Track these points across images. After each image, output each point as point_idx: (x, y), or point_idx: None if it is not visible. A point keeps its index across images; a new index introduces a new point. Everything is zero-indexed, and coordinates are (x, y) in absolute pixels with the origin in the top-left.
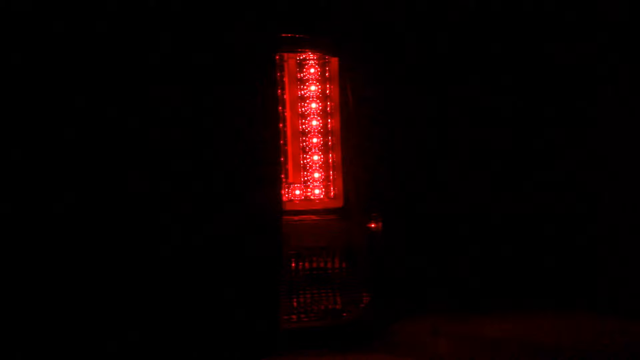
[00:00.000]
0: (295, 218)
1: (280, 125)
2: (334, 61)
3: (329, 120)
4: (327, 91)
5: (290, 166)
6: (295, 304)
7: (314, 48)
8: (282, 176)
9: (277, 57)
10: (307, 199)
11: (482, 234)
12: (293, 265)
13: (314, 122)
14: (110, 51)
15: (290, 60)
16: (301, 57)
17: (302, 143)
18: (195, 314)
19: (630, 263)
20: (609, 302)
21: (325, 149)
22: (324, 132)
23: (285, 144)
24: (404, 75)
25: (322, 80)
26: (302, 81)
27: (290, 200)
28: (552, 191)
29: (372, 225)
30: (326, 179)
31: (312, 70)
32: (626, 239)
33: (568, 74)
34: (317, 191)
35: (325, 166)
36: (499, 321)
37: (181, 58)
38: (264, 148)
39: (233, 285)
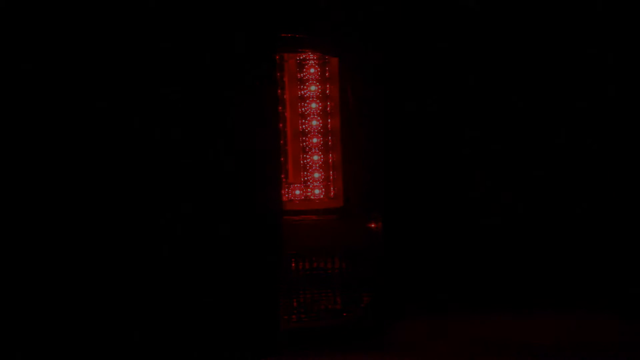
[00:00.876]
0: (295, 218)
1: (280, 125)
2: (334, 61)
3: (329, 120)
4: (327, 91)
5: (290, 166)
6: (295, 304)
7: (314, 48)
8: (282, 176)
9: (277, 57)
10: (307, 199)
11: (482, 234)
12: (293, 265)
13: (314, 122)
14: (110, 52)
15: (290, 60)
16: (301, 57)
17: (302, 143)
18: (196, 314)
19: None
20: (606, 303)
21: (325, 149)
22: (324, 132)
23: (285, 144)
24: (404, 75)
25: (322, 80)
26: (302, 81)
27: (290, 200)
28: (551, 191)
29: (372, 225)
30: (326, 179)
31: (312, 70)
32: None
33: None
34: (317, 191)
35: (325, 166)
36: (499, 321)
37: (181, 58)
38: (264, 148)
39: (233, 285)
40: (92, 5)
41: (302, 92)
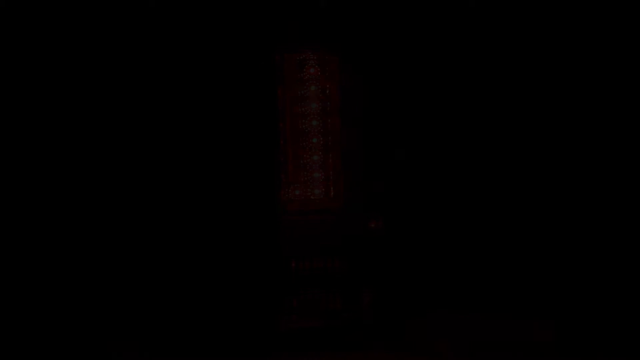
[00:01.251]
0: (296, 218)
1: (280, 125)
2: (334, 61)
3: (329, 120)
4: (327, 91)
5: (290, 166)
6: (295, 304)
7: (314, 48)
8: (282, 176)
9: (277, 57)
10: (307, 199)
11: (482, 235)
12: (293, 265)
13: (314, 122)
14: (110, 52)
15: (290, 60)
16: (301, 57)
17: (302, 143)
18: (195, 314)
19: None
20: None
21: (325, 149)
22: (324, 132)
23: (285, 144)
24: (404, 75)
25: (322, 80)
26: (302, 81)
27: (291, 201)
28: (547, 194)
29: (372, 225)
30: (326, 179)
31: (312, 70)
32: None
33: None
34: (317, 191)
35: (325, 166)
36: (500, 320)
37: (181, 59)
38: (263, 148)
39: (233, 285)
40: (95, 5)
41: (302, 92)
